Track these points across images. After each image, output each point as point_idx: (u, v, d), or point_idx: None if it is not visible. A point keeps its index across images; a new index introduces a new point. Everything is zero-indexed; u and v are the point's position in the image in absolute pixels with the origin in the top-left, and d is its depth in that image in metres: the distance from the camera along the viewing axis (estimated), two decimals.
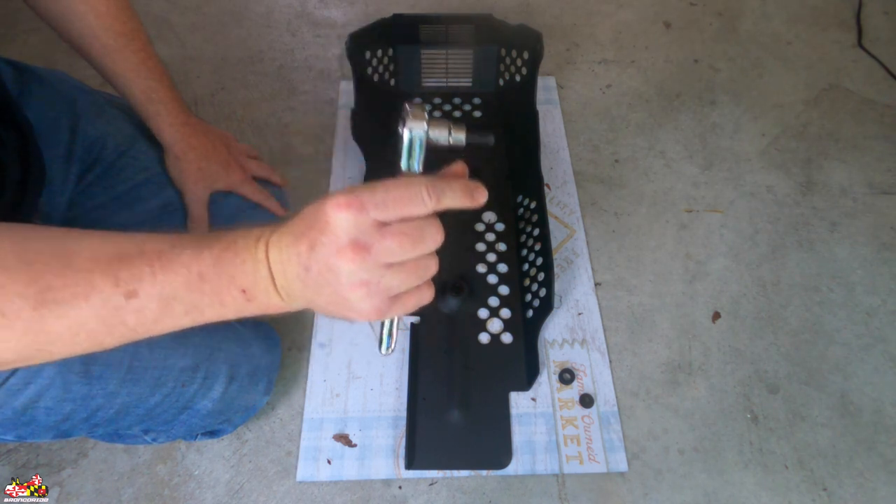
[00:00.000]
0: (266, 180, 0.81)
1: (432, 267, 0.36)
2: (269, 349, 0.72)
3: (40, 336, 0.34)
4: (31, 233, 0.36)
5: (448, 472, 0.72)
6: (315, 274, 0.35)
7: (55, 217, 0.62)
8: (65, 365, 0.51)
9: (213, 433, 0.72)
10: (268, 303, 0.37)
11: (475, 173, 0.94)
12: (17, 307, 0.33)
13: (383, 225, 0.34)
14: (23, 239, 0.35)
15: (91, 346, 0.36)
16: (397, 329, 0.41)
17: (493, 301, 0.85)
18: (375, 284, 0.35)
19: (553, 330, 0.83)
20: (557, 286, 0.85)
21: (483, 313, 0.84)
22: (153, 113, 0.67)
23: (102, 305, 0.34)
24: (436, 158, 0.39)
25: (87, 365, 0.53)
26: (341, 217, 0.33)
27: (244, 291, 0.36)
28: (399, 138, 0.35)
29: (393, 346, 0.41)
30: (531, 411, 0.76)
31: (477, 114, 1.06)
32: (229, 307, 0.37)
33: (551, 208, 0.94)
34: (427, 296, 0.38)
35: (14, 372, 0.49)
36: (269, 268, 0.36)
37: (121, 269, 0.35)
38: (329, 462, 0.72)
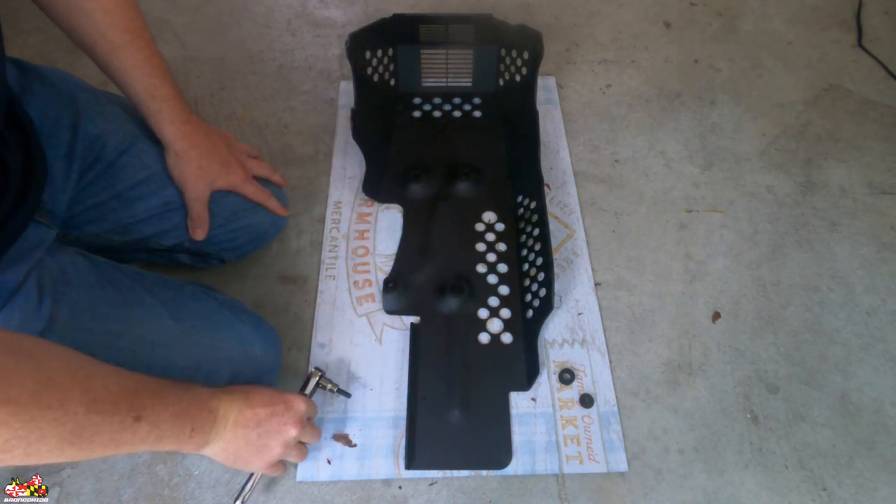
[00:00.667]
0: (266, 180, 0.81)
1: (304, 457, 0.66)
2: (269, 349, 0.72)
3: (73, 438, 0.41)
4: (71, 354, 0.45)
5: (448, 472, 0.72)
6: (262, 430, 0.58)
7: (57, 214, 0.62)
8: None
9: None
10: (198, 443, 0.53)
11: (476, 173, 0.95)
12: (75, 410, 0.41)
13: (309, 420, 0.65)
14: (61, 359, 0.43)
15: (83, 457, 0.43)
16: (252, 493, 0.66)
17: (493, 301, 0.84)
18: (287, 450, 0.61)
19: (553, 330, 0.83)
20: (557, 286, 0.85)
21: (483, 313, 0.84)
22: (155, 111, 0.67)
23: (119, 422, 0.44)
24: None
25: None
26: (303, 407, 0.63)
27: (192, 430, 0.52)
28: (307, 381, 0.71)
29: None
30: (531, 411, 0.76)
31: (477, 114, 1.06)
32: (180, 440, 0.51)
33: (551, 208, 0.94)
34: (280, 471, 0.65)
35: None
36: (215, 419, 0.54)
37: (133, 397, 0.46)
38: (329, 462, 0.72)
